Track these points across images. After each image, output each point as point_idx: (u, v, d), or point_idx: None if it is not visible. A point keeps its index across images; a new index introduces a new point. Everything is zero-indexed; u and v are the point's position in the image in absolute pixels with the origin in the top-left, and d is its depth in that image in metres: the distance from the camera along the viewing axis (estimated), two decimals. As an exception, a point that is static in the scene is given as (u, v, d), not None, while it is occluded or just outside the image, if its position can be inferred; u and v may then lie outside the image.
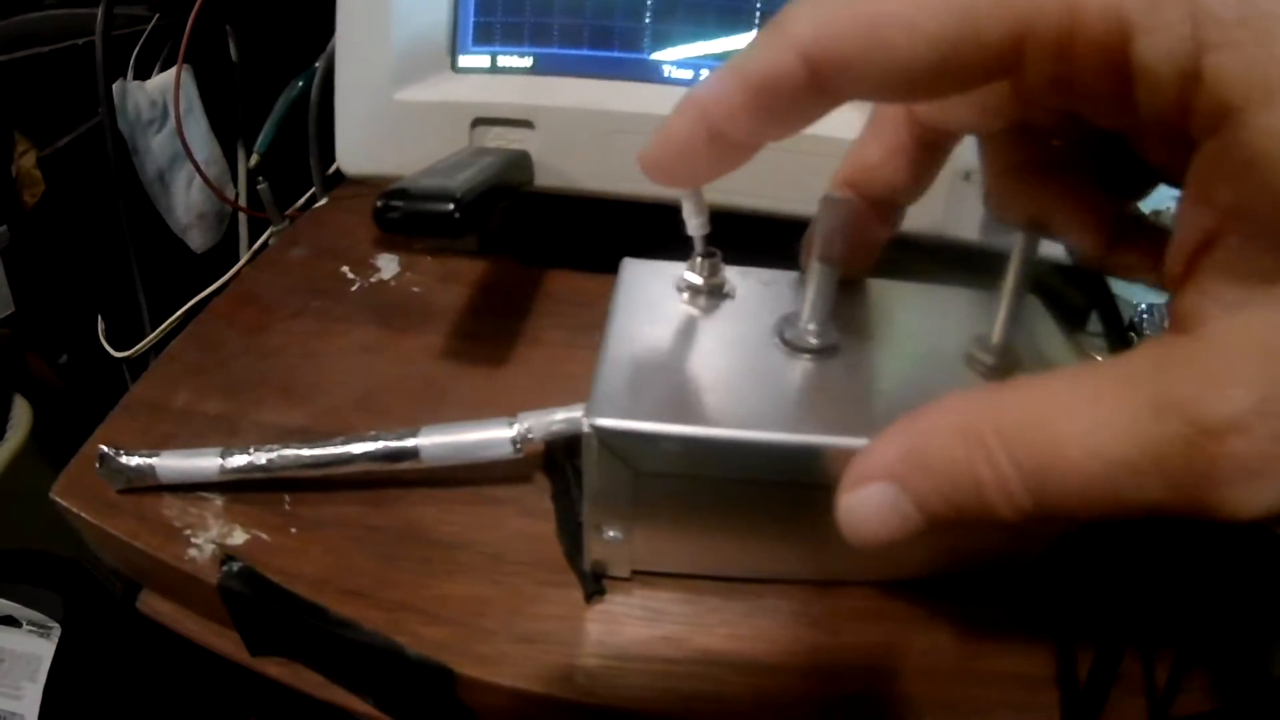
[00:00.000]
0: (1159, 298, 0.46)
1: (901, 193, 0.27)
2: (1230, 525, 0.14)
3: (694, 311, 0.29)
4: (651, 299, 0.29)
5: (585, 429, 0.24)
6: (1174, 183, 0.16)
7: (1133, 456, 0.14)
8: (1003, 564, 0.30)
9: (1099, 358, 0.44)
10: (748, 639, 0.28)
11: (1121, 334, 0.30)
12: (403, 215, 0.29)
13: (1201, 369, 0.14)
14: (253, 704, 0.48)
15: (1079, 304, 0.46)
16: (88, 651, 0.47)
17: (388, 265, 0.44)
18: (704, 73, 0.37)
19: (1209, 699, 0.27)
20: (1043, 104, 0.18)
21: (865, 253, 0.28)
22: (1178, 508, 0.14)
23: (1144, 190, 0.24)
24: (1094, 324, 0.46)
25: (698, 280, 0.29)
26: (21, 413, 0.52)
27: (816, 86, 0.17)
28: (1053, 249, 0.30)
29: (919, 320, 0.31)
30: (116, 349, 0.51)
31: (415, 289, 0.42)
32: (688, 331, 0.28)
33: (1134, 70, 0.15)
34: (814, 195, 0.26)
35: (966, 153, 0.37)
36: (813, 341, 0.27)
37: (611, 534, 0.27)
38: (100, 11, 0.47)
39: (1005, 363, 0.29)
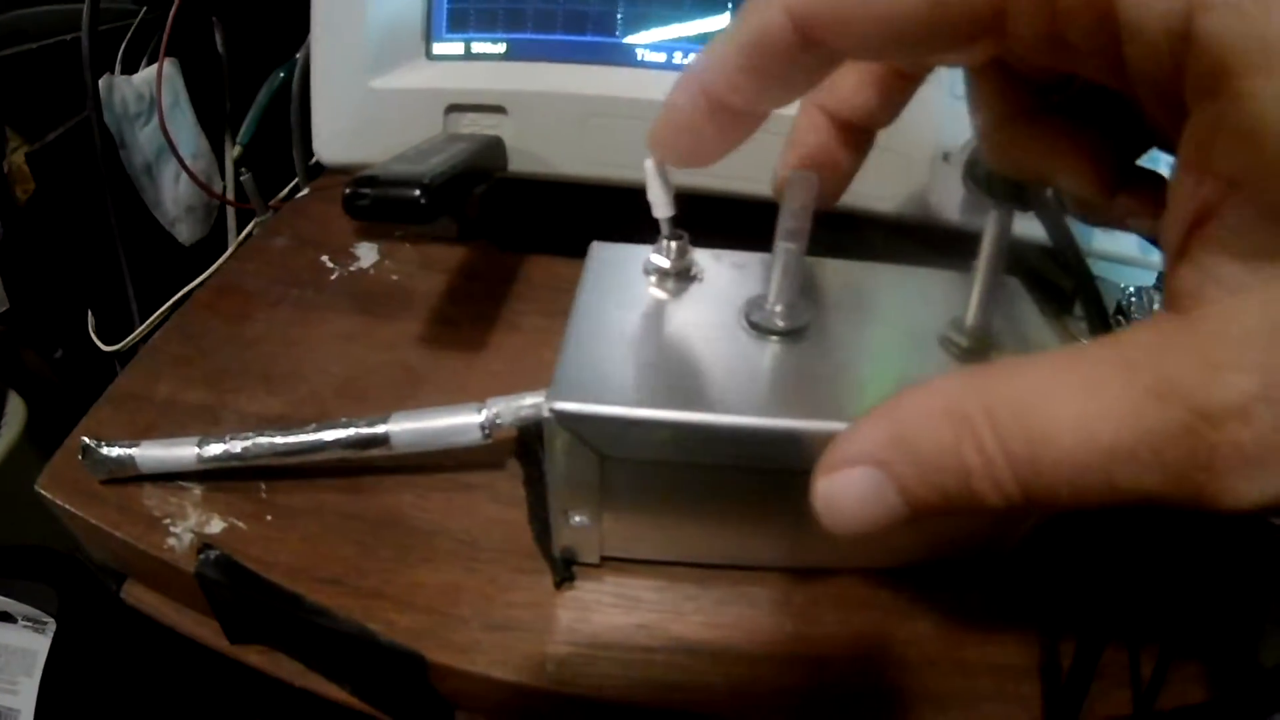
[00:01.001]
0: (1147, 280, 0.46)
1: (874, 119, 0.25)
2: (1224, 516, 0.14)
3: (661, 294, 0.28)
4: (619, 282, 0.29)
5: (546, 413, 0.24)
6: (1173, 149, 0.15)
7: (1128, 443, 0.14)
8: (981, 554, 0.30)
9: (1082, 340, 0.44)
10: (724, 627, 0.28)
11: (1104, 318, 0.30)
12: (372, 202, 0.29)
13: (1201, 353, 0.14)
14: (250, 699, 0.49)
15: (1063, 287, 0.45)
16: (83, 646, 0.47)
17: (367, 254, 0.44)
18: (677, 55, 0.37)
19: (1195, 690, 0.27)
20: (1036, 62, 0.17)
21: (837, 183, 0.27)
22: (1174, 498, 0.14)
23: (1147, 146, 0.23)
24: (1079, 308, 0.46)
25: (665, 263, 0.29)
26: (16, 408, 0.53)
27: (806, 45, 0.17)
28: (1031, 229, 0.30)
29: (892, 302, 0.31)
30: (107, 343, 0.52)
31: (394, 277, 0.42)
32: (654, 315, 0.27)
33: (1121, 29, 0.14)
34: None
35: (946, 134, 0.37)
36: (780, 324, 0.27)
37: (578, 519, 0.27)
38: (86, 7, 0.47)
39: (981, 345, 0.28)
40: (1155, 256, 0.40)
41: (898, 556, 0.30)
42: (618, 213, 0.34)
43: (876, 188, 0.37)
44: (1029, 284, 0.33)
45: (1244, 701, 0.28)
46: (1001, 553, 0.30)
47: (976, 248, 0.28)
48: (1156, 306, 0.45)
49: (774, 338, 0.27)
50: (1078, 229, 0.39)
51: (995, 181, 0.36)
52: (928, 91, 0.36)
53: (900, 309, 0.30)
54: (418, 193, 0.28)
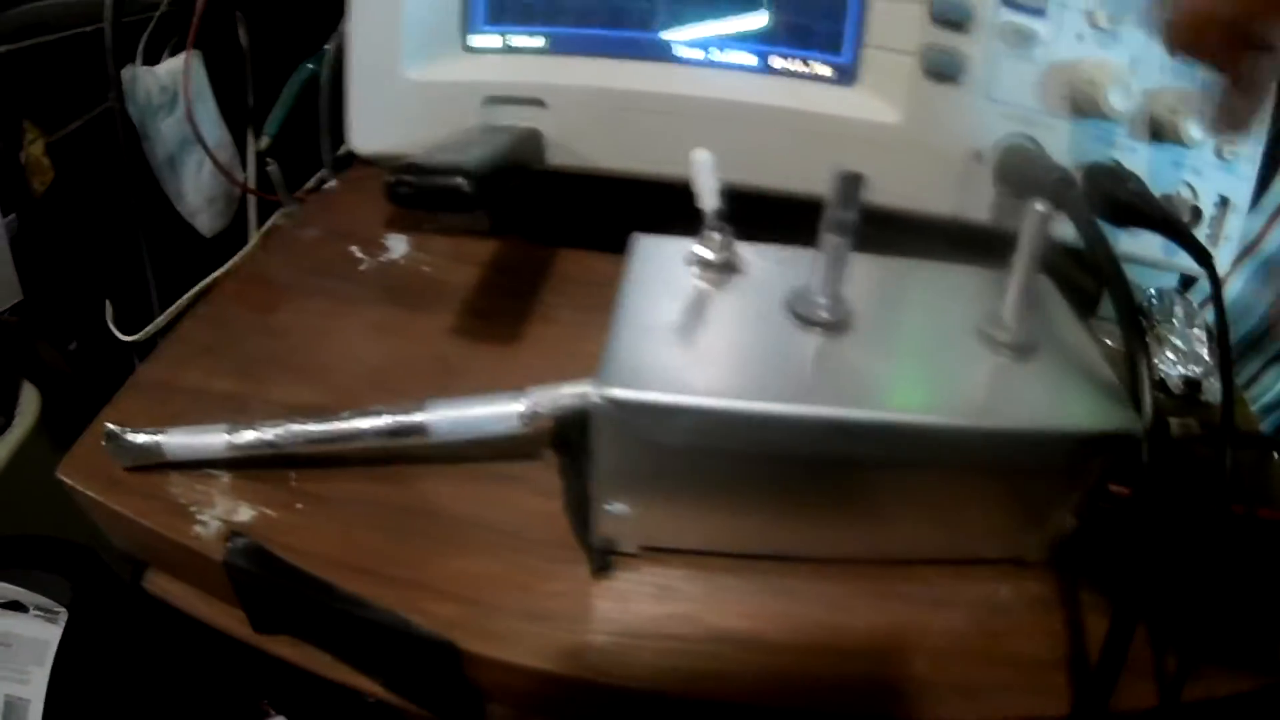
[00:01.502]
0: (1169, 281, 0.46)
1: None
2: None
3: (705, 285, 0.29)
4: (663, 273, 0.29)
5: (596, 399, 0.24)
6: None
7: None
8: (1009, 556, 0.31)
9: (1109, 342, 0.44)
10: (758, 617, 0.28)
11: (1133, 314, 0.30)
12: (416, 190, 0.29)
13: None
14: (262, 688, 0.48)
15: (1089, 289, 0.46)
16: (95, 636, 0.47)
17: (397, 245, 0.44)
18: (714, 52, 0.37)
19: (1223, 683, 0.27)
20: None
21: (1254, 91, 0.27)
22: None
23: None
24: (1105, 309, 0.46)
25: (709, 254, 0.29)
26: (30, 399, 0.52)
27: None
28: (1063, 231, 0.30)
29: (931, 297, 0.31)
30: (125, 333, 0.51)
31: (425, 268, 0.42)
32: (699, 305, 0.28)
33: None
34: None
35: (978, 134, 0.37)
36: (824, 315, 0.27)
37: (618, 507, 0.27)
38: (110, -2, 0.47)
39: (1019, 338, 0.29)
40: (1178, 258, 0.41)
41: (931, 551, 0.30)
42: (649, 208, 0.34)
43: (910, 186, 0.37)
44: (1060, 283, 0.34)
45: (1272, 695, 0.28)
46: (1027, 556, 0.30)
47: (1009, 246, 0.29)
48: (1178, 309, 0.45)
49: (817, 329, 0.27)
50: (1114, 234, 0.39)
51: (1028, 181, 0.37)
52: (962, 93, 0.36)
53: (937, 304, 0.31)
54: (463, 181, 0.29)
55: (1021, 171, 0.37)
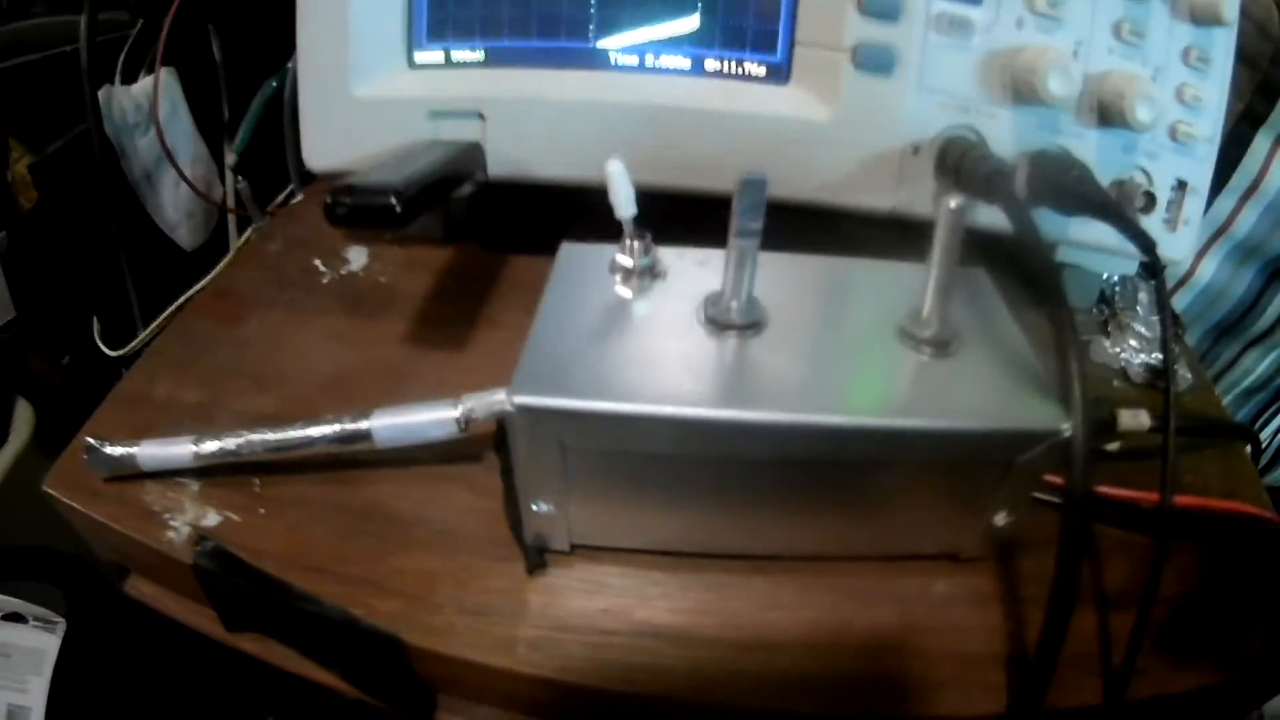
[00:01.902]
0: (1128, 269, 0.47)
1: None
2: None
3: (624, 292, 0.31)
4: (585, 281, 0.31)
5: (508, 407, 0.26)
6: None
7: None
8: (944, 553, 0.32)
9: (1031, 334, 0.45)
10: (687, 612, 0.30)
11: (1064, 304, 0.30)
12: (350, 210, 0.32)
13: None
14: (253, 693, 0.51)
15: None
16: (92, 644, 0.50)
17: (357, 257, 0.47)
18: (649, 58, 0.39)
19: (1173, 680, 0.29)
20: None
21: None
22: None
23: None
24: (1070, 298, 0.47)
25: (629, 262, 0.31)
26: (23, 414, 0.56)
27: None
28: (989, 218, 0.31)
29: (853, 295, 0.33)
30: (112, 348, 0.55)
31: (382, 279, 0.45)
32: (616, 311, 0.30)
33: None
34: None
35: (914, 127, 0.38)
36: (735, 319, 0.29)
37: (544, 507, 0.29)
38: (83, 19, 0.50)
39: (941, 335, 0.30)
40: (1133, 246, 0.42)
41: (865, 547, 0.32)
42: (603, 213, 0.36)
43: (848, 183, 0.39)
44: (1013, 275, 0.35)
45: (1224, 692, 0.30)
46: (961, 554, 0.32)
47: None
48: (1143, 295, 0.46)
49: (731, 332, 0.29)
50: (1054, 219, 0.41)
51: (963, 173, 0.38)
52: (896, 86, 0.38)
53: (861, 302, 0.33)
54: (393, 200, 0.31)
55: (958, 164, 0.38)
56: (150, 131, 0.57)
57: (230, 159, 0.52)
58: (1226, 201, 0.56)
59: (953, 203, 0.28)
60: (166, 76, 0.57)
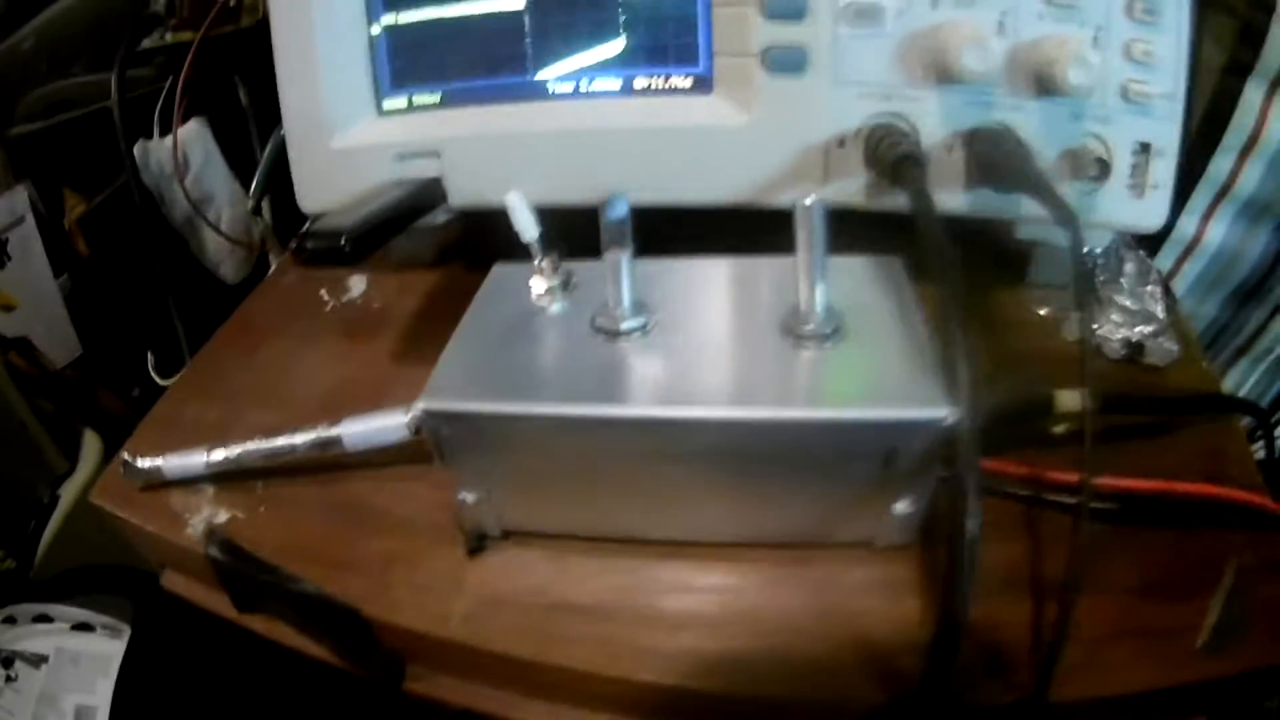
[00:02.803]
0: (1101, 241, 0.47)
1: None
2: None
3: (536, 306, 0.37)
4: (506, 297, 0.38)
5: (417, 410, 0.33)
6: None
7: None
8: (858, 540, 0.35)
9: (1041, 311, 0.47)
10: (601, 591, 0.35)
11: (954, 293, 0.32)
12: (311, 252, 0.40)
13: None
14: (300, 691, 0.59)
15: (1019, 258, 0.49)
16: (155, 649, 0.59)
17: (357, 285, 0.55)
18: (584, 83, 0.46)
19: (1105, 682, 0.30)
20: None
21: None
22: None
23: None
24: (1044, 275, 0.49)
25: (540, 279, 0.38)
26: (91, 444, 0.67)
27: None
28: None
29: (745, 293, 0.38)
30: (164, 378, 0.66)
31: (376, 304, 0.53)
32: (524, 324, 0.36)
33: None
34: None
35: (839, 121, 0.42)
36: (620, 325, 0.35)
37: (470, 497, 0.36)
38: (114, 79, 0.60)
39: (821, 328, 0.34)
40: (1118, 217, 0.42)
41: (775, 533, 0.36)
42: (581, 231, 0.39)
43: (774, 182, 0.44)
44: (988, 257, 0.37)
45: (1166, 697, 0.31)
46: (878, 540, 0.35)
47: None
48: (1129, 267, 0.47)
49: (619, 338, 0.35)
50: (1012, 199, 0.42)
51: (878, 160, 0.41)
52: (810, 82, 0.42)
53: (751, 299, 0.38)
54: (343, 242, 0.39)
55: (876, 153, 0.42)
56: (187, 178, 0.68)
57: (250, 204, 0.61)
58: (1225, 160, 0.56)
59: (806, 202, 0.32)
60: (198, 126, 0.68)
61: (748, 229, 0.41)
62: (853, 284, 0.37)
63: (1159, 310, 0.45)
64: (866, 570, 0.35)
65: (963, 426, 0.29)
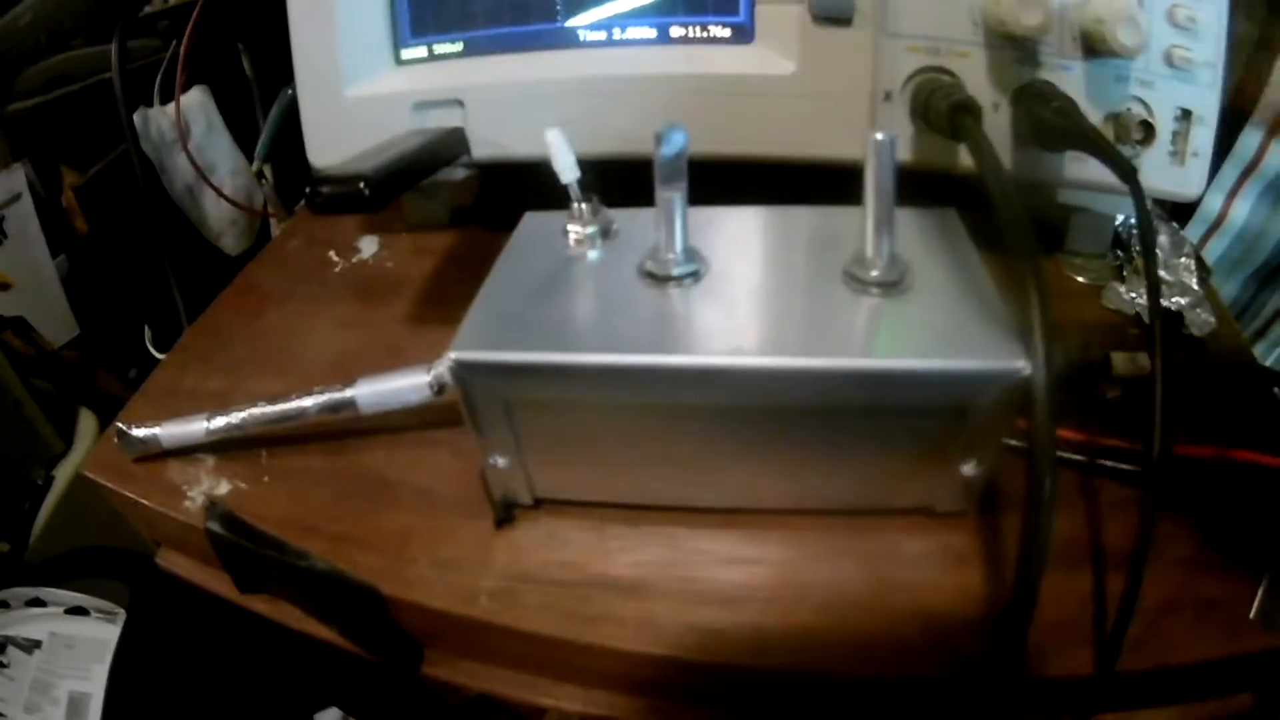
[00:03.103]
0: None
1: None
2: None
3: (574, 254, 0.34)
4: (540, 245, 0.35)
5: (449, 363, 0.30)
6: None
7: None
8: (918, 508, 0.33)
9: (1080, 279, 0.46)
10: (644, 565, 0.33)
11: (1028, 250, 0.30)
12: (325, 198, 0.37)
13: None
14: (299, 678, 0.57)
15: (1056, 222, 0.48)
16: (151, 634, 0.57)
17: (368, 246, 0.52)
18: (616, 31, 0.43)
19: (1175, 651, 0.29)
20: None
21: None
22: None
23: None
24: (1082, 243, 0.48)
25: (577, 225, 0.35)
26: (87, 424, 0.64)
27: None
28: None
29: (800, 242, 0.35)
30: (163, 353, 0.62)
31: (389, 264, 0.50)
32: (561, 272, 0.33)
33: None
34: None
35: (883, 73, 0.40)
36: (673, 270, 0.32)
37: (500, 461, 0.33)
38: (114, 48, 0.57)
39: (887, 276, 0.32)
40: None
41: (834, 501, 0.34)
42: (613, 185, 0.38)
43: (819, 135, 0.41)
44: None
45: (1225, 669, 0.29)
46: (938, 507, 0.33)
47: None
48: (1163, 238, 0.46)
49: (671, 284, 0.32)
50: (1052, 160, 0.41)
51: (930, 112, 0.39)
52: (858, 34, 0.40)
53: (808, 247, 0.35)
54: (362, 186, 0.36)
55: (925, 104, 0.40)
56: (190, 145, 0.65)
57: (255, 166, 0.58)
58: (1252, 137, 0.54)
59: (879, 136, 0.30)
60: (200, 95, 0.65)
61: (785, 184, 0.39)
62: (911, 234, 0.35)
63: (1193, 282, 0.44)
64: (924, 539, 0.33)
65: (1039, 377, 0.27)
